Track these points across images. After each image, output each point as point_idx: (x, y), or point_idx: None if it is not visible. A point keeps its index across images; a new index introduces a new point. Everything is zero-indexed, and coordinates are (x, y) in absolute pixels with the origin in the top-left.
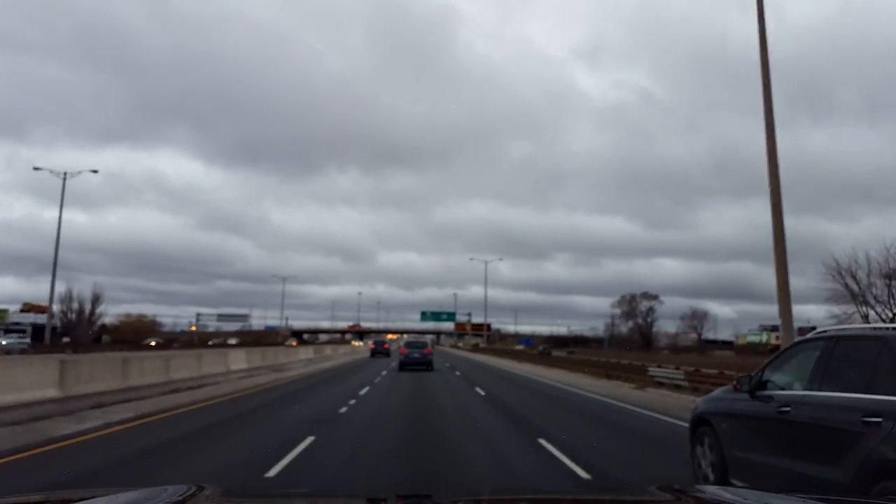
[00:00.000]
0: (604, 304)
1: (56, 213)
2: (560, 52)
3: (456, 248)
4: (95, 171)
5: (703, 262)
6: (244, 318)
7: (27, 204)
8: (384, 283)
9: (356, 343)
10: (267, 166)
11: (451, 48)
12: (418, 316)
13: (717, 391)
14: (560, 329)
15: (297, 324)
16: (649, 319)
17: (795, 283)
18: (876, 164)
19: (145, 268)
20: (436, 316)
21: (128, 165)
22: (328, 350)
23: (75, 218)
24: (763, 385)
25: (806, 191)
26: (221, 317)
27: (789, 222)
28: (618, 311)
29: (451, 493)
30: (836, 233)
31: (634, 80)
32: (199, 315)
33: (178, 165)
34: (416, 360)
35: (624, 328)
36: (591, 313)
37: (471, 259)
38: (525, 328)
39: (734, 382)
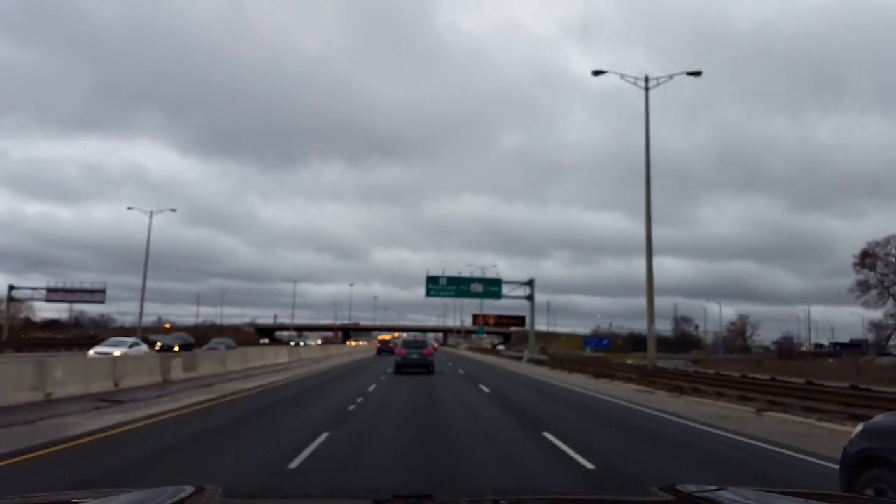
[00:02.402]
0: (603, 303)
1: (38, 207)
2: (550, 29)
3: (451, 246)
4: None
5: (705, 261)
6: (97, 295)
7: (6, 198)
8: (380, 281)
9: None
10: (246, 157)
11: (433, 25)
12: (419, 315)
13: (888, 416)
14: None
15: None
16: None
17: (798, 283)
18: (886, 156)
19: (136, 265)
20: (459, 286)
21: (104, 157)
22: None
23: (57, 213)
24: None
25: (810, 185)
26: (52, 292)
27: (792, 220)
28: (853, 277)
29: (453, 493)
30: (841, 230)
31: (631, 60)
32: (11, 288)
33: (155, 157)
34: (415, 361)
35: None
36: (591, 312)
37: None
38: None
39: None
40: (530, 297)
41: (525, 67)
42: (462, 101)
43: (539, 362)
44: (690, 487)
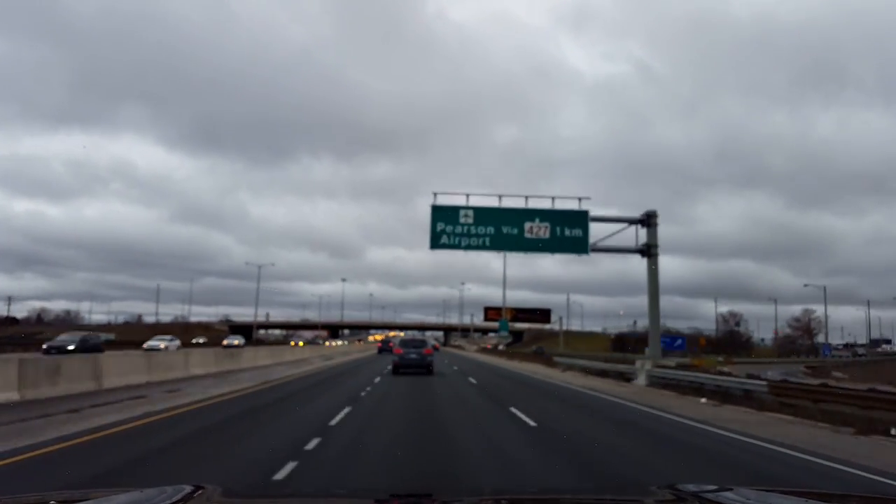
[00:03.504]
0: (601, 302)
1: (26, 204)
2: (542, 19)
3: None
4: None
5: (703, 259)
6: None
7: None
8: (375, 279)
9: None
10: (234, 152)
11: (421, 14)
12: (415, 315)
13: None
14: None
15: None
16: None
17: (797, 282)
18: (888, 152)
19: (128, 263)
20: (500, 225)
21: (91, 152)
22: None
23: (47, 211)
24: None
25: (811, 182)
26: None
27: (791, 217)
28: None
29: (452, 493)
30: (841, 228)
31: (627, 50)
32: None
33: (141, 152)
34: (413, 361)
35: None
36: (590, 312)
37: None
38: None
39: None
40: (647, 250)
41: (517, 59)
42: (454, 94)
43: (724, 395)
44: (691, 487)
